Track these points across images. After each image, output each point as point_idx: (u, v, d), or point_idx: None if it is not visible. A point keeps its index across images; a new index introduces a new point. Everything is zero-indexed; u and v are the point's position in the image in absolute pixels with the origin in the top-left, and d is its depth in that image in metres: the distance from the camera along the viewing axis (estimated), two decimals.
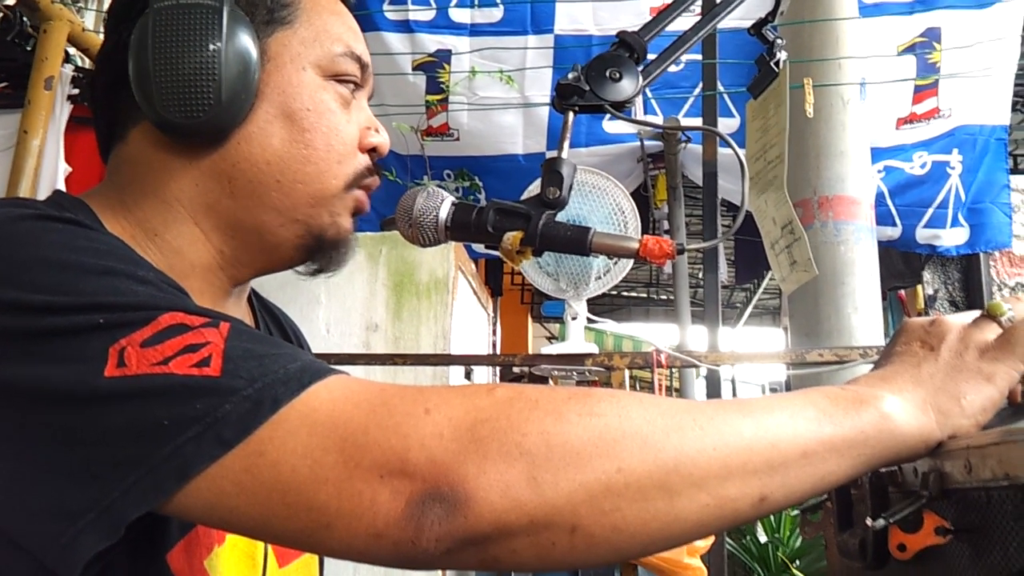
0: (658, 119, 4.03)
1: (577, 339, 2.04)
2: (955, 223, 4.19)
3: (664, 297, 9.40)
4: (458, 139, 4.14)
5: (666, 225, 4.33)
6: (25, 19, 2.37)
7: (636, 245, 0.79)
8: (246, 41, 0.70)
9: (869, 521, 0.69)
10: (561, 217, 0.82)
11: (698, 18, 0.91)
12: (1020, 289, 4.47)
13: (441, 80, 4.00)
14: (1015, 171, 5.22)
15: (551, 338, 8.59)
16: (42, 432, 0.52)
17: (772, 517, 3.75)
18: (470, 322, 3.40)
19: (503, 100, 4.00)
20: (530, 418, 0.52)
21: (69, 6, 3.08)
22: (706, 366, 2.06)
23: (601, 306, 9.30)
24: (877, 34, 3.79)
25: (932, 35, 3.93)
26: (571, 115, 0.84)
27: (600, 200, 1.96)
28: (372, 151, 0.80)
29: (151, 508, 0.51)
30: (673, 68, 3.94)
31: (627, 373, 1.93)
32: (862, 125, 3.11)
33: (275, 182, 0.73)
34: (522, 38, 3.99)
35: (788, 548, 3.70)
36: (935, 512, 0.68)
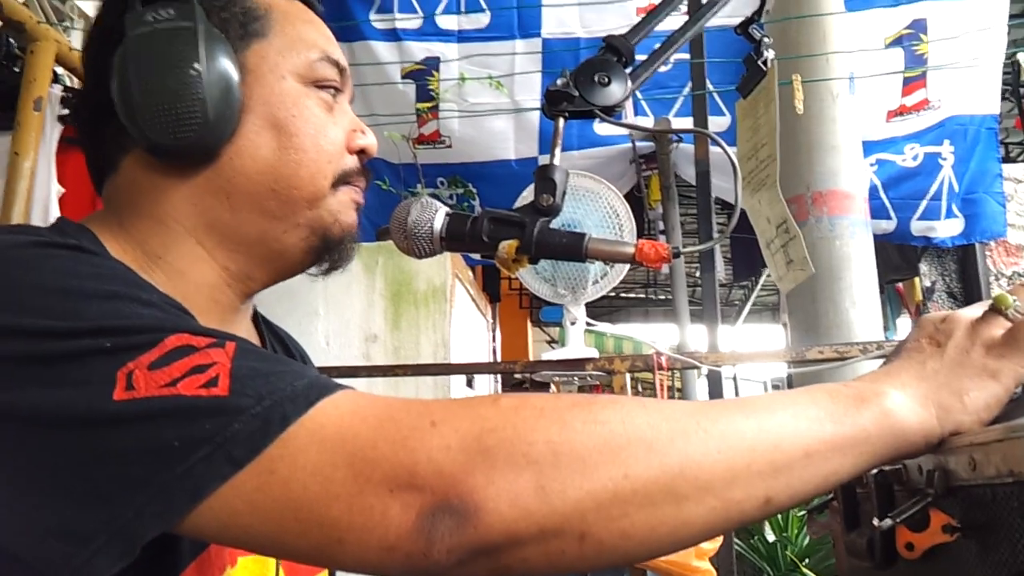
0: (649, 120, 4.03)
1: (577, 343, 2.04)
2: (949, 214, 4.19)
3: (663, 297, 9.41)
4: (450, 146, 4.14)
5: (661, 226, 4.33)
6: (11, 40, 2.36)
7: (632, 250, 0.79)
8: (224, 57, 0.71)
9: (876, 521, 0.69)
10: (556, 222, 0.82)
11: (685, 18, 0.90)
12: (1018, 277, 4.47)
13: (431, 88, 4.00)
14: (1007, 160, 5.22)
15: (551, 342, 8.59)
16: (52, 456, 0.52)
17: (780, 517, 3.74)
18: (469, 329, 3.40)
19: (493, 106, 4.00)
20: (536, 427, 0.53)
21: (56, 26, 3.08)
22: (707, 367, 2.05)
23: (600, 308, 9.30)
24: (864, 28, 3.80)
25: (918, 27, 3.94)
26: (561, 121, 0.84)
27: (594, 204, 1.95)
28: (361, 152, 0.80)
29: (165, 529, 0.51)
30: (662, 68, 3.94)
31: (628, 376, 1.93)
32: (852, 119, 3.11)
33: (271, 191, 0.73)
34: (510, 43, 3.99)
35: (797, 547, 3.69)
36: (941, 510, 0.68)
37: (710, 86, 3.35)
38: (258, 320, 0.88)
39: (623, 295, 9.75)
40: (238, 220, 0.74)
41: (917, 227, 4.22)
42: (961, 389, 0.62)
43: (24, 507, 0.53)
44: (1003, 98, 4.36)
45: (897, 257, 4.77)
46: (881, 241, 3.93)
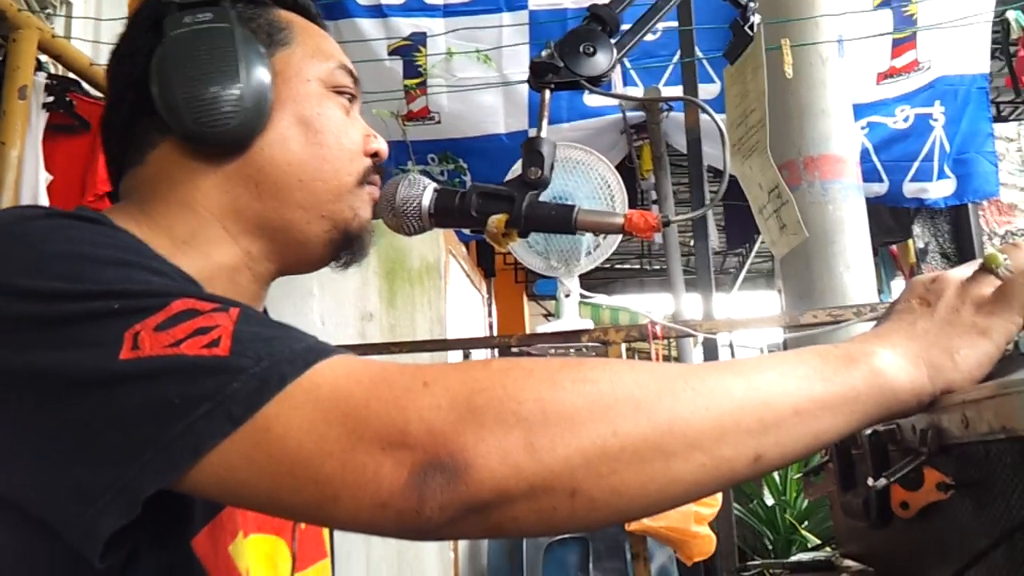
0: (638, 90, 4.01)
1: (572, 316, 2.04)
2: (941, 175, 4.19)
3: (657, 267, 9.41)
4: (439, 122, 4.12)
5: (654, 196, 4.32)
6: None
7: (621, 220, 0.79)
8: (258, 57, 0.77)
9: (871, 481, 0.69)
10: (547, 195, 0.82)
11: None
12: (1011, 237, 4.48)
13: (418, 63, 3.97)
14: (998, 119, 5.21)
15: (547, 315, 8.60)
16: (62, 416, 0.53)
17: (778, 480, 3.76)
18: (465, 305, 3.40)
19: (482, 80, 3.98)
20: (525, 386, 0.54)
21: (38, 13, 3.05)
22: (702, 335, 2.06)
23: (594, 280, 9.30)
24: None
25: None
26: (547, 93, 0.83)
27: (585, 175, 1.95)
28: (374, 156, 0.85)
29: (166, 485, 0.52)
30: (650, 37, 3.91)
31: (623, 346, 1.93)
32: (842, 82, 3.10)
33: (298, 181, 0.78)
34: (496, 16, 3.96)
35: (796, 510, 3.72)
36: (935, 468, 0.68)
37: (699, 53, 3.33)
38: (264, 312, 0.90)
39: (617, 266, 9.75)
40: (265, 208, 0.78)
41: (909, 189, 4.22)
42: (952, 347, 0.62)
43: (41, 468, 0.54)
44: (993, 57, 4.35)
45: (890, 219, 4.77)
46: (874, 204, 3.93)
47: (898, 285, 5.26)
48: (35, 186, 2.23)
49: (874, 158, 4.13)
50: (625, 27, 0.87)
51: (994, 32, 4.28)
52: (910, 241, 4.86)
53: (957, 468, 0.67)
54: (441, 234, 3.00)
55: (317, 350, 0.57)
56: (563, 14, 3.89)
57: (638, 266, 9.82)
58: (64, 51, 2.38)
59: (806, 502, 3.69)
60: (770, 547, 3.70)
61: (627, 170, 4.35)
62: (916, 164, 4.18)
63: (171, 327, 0.54)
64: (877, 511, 0.76)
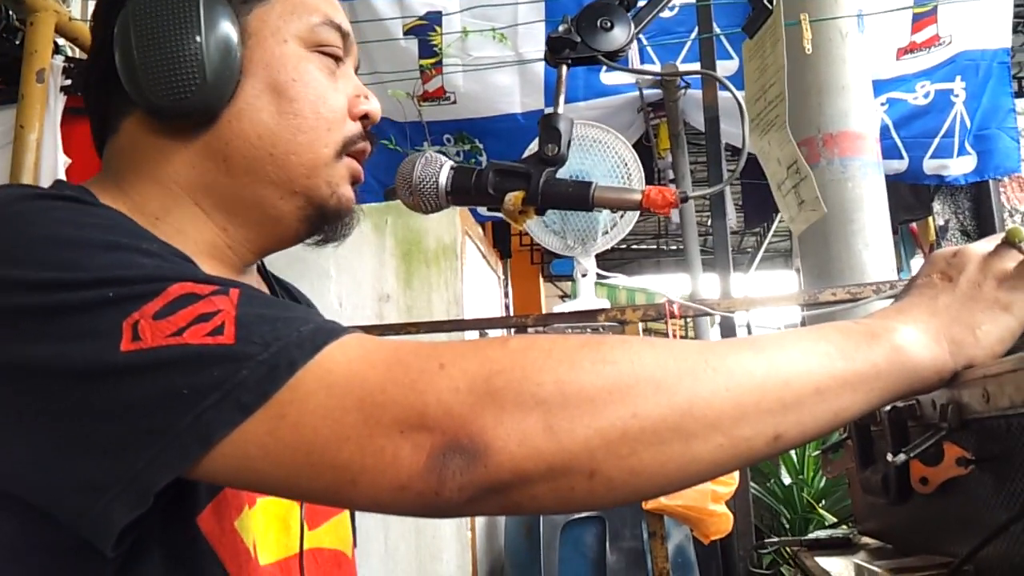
0: (655, 67, 3.98)
1: (588, 295, 2.04)
2: (962, 151, 4.15)
3: (674, 247, 9.37)
4: (455, 102, 4.10)
5: (671, 174, 4.30)
6: (11, 13, 2.35)
7: (639, 196, 0.79)
8: (225, 20, 0.71)
9: (890, 456, 0.69)
10: (563, 173, 0.81)
11: None
12: None
13: (433, 43, 3.95)
14: (1020, 94, 5.14)
15: (563, 296, 8.59)
16: (62, 408, 0.53)
17: (795, 458, 3.75)
18: (481, 286, 3.41)
19: (497, 59, 3.96)
20: (544, 367, 0.53)
21: None
22: (719, 314, 2.05)
23: (611, 261, 9.27)
24: None
25: None
26: (564, 69, 0.83)
27: (602, 154, 1.94)
28: (364, 118, 0.79)
29: (177, 475, 0.52)
30: (667, 13, 3.89)
31: (640, 326, 1.93)
32: (862, 58, 3.06)
33: (269, 155, 0.73)
34: None
35: (813, 489, 3.70)
36: (956, 443, 0.68)
37: (716, 29, 3.30)
38: (266, 274, 0.88)
39: (634, 247, 9.72)
40: (235, 184, 0.73)
41: (929, 166, 4.18)
42: (973, 323, 0.62)
43: (43, 461, 0.54)
44: (1015, 31, 4.29)
45: (910, 197, 4.73)
46: (893, 181, 3.89)
47: (918, 263, 5.22)
48: (54, 169, 2.24)
49: (894, 135, 4.09)
50: (642, 2, 0.86)
51: (1017, 6, 4.22)
52: (930, 218, 4.82)
53: (978, 443, 0.66)
54: (457, 215, 3.00)
55: (326, 331, 0.56)
56: None
57: (654, 246, 9.79)
58: (81, 34, 2.39)
59: (823, 481, 3.68)
60: (787, 526, 3.69)
61: (644, 149, 4.32)
62: (936, 140, 4.14)
63: (171, 314, 0.53)
64: (896, 487, 0.76)
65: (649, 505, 1.92)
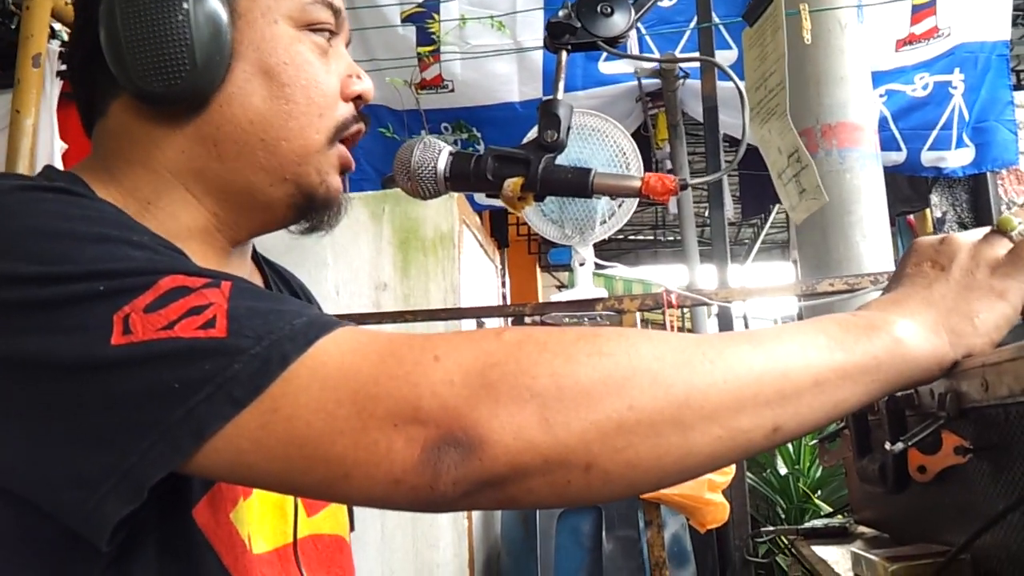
0: (655, 56, 3.97)
1: (586, 285, 2.03)
2: (960, 144, 4.15)
3: (671, 238, 9.37)
4: (453, 90, 4.09)
5: (669, 164, 4.29)
6: None
7: (638, 183, 0.78)
8: (213, 1, 0.69)
9: (888, 445, 0.69)
10: (562, 161, 0.81)
11: None
12: None
13: (431, 30, 3.94)
14: (1018, 87, 5.14)
15: (560, 287, 8.59)
16: (54, 403, 0.52)
17: (792, 449, 3.76)
18: (479, 275, 3.40)
19: (496, 47, 3.94)
20: (539, 360, 0.53)
21: None
22: (717, 303, 2.05)
23: (608, 251, 9.28)
24: None
25: None
26: (564, 55, 0.82)
27: (601, 143, 1.93)
28: (357, 99, 0.78)
29: (171, 469, 0.52)
30: (666, 2, 3.88)
31: (638, 316, 1.93)
32: (861, 49, 3.06)
33: (259, 141, 0.72)
34: None
35: (809, 479, 3.72)
36: (954, 432, 0.68)
37: (715, 18, 3.29)
38: (259, 259, 0.88)
39: (631, 237, 9.72)
40: (225, 169, 0.72)
41: (927, 158, 4.18)
42: (971, 311, 0.62)
43: (35, 457, 0.53)
44: (1014, 24, 4.29)
45: (908, 189, 4.74)
46: (891, 173, 3.89)
47: None
48: (50, 154, 2.24)
49: (892, 126, 4.09)
50: None
51: None
52: (928, 210, 4.82)
53: (976, 432, 0.66)
54: (455, 204, 3.00)
55: (319, 324, 0.55)
56: None
57: (652, 237, 9.79)
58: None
59: (820, 471, 3.69)
60: (783, 516, 3.71)
61: (642, 139, 4.32)
62: (935, 133, 4.14)
63: (162, 307, 0.53)
64: (894, 475, 0.76)
65: (646, 494, 1.92)
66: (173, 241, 0.64)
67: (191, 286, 0.55)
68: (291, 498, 0.74)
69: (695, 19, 3.51)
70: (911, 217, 5.11)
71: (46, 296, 0.53)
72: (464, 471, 0.51)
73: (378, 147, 3.88)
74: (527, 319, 2.01)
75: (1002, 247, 0.64)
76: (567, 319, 1.99)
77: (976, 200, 4.72)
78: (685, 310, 3.20)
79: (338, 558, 0.80)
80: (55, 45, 2.32)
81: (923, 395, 0.73)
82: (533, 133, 0.82)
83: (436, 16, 3.92)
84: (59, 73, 2.30)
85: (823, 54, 2.94)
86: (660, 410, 0.52)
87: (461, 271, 2.98)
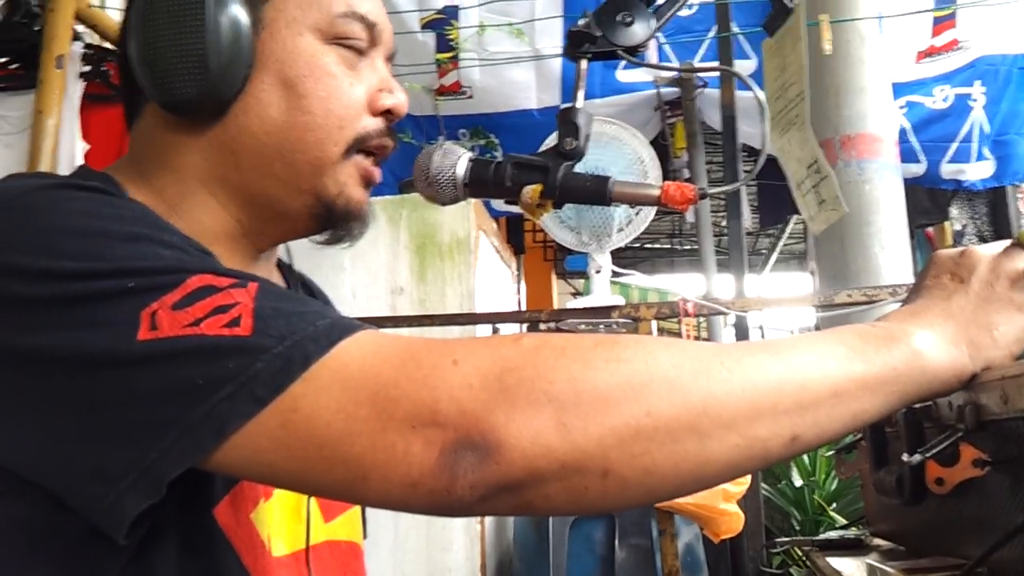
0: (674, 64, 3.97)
1: (602, 292, 2.03)
2: (980, 157, 4.12)
3: (688, 247, 9.34)
4: (471, 97, 4.10)
5: (687, 174, 4.28)
6: None
7: (657, 192, 0.78)
8: (236, 10, 0.69)
9: (905, 457, 0.69)
10: (580, 169, 0.81)
11: None
12: None
13: (450, 37, 3.95)
14: None
15: (576, 294, 8.57)
16: (79, 397, 0.53)
17: (807, 460, 3.74)
18: (494, 281, 3.41)
19: (514, 54, 3.95)
20: (557, 366, 0.53)
21: None
22: (734, 313, 2.05)
23: (624, 259, 9.23)
24: None
25: None
26: (584, 63, 0.83)
27: (619, 150, 1.94)
28: (387, 113, 0.77)
29: (191, 465, 0.52)
30: (685, 12, 3.87)
31: (654, 324, 1.93)
32: (881, 60, 3.05)
33: (277, 153, 0.72)
34: None
35: (824, 491, 3.70)
36: (972, 444, 0.68)
37: (735, 28, 3.29)
38: (281, 266, 0.88)
39: (647, 246, 9.69)
40: (245, 179, 0.73)
41: (947, 170, 4.15)
42: (990, 324, 0.62)
43: (58, 449, 0.54)
44: None
45: (927, 201, 4.70)
46: (911, 185, 3.87)
47: None
48: (72, 155, 2.25)
49: (912, 138, 4.07)
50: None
51: None
52: (947, 223, 4.79)
53: (995, 445, 0.66)
54: (472, 210, 3.01)
55: (341, 327, 0.56)
56: None
57: (668, 246, 9.76)
58: (100, 21, 2.40)
59: (835, 483, 3.67)
60: (797, 528, 3.69)
61: (659, 148, 4.31)
62: (954, 145, 4.11)
63: (189, 305, 0.54)
64: (911, 487, 0.75)
65: (660, 503, 1.91)
66: (201, 243, 0.64)
67: (218, 285, 0.55)
68: (306, 502, 0.74)
69: (714, 28, 3.51)
70: (930, 230, 5.08)
71: (75, 292, 0.54)
72: (481, 474, 0.51)
73: (396, 152, 3.87)
74: (542, 325, 2.01)
75: (1022, 260, 0.64)
76: (583, 326, 1.99)
77: (996, 214, 4.68)
78: (701, 320, 3.20)
79: (353, 565, 0.81)
80: (78, 47, 2.34)
81: (941, 407, 0.73)
82: (551, 140, 0.83)
83: (455, 23, 3.94)
84: (82, 74, 2.32)
85: (843, 65, 2.93)
86: (678, 417, 0.52)
87: (477, 277, 2.99)
